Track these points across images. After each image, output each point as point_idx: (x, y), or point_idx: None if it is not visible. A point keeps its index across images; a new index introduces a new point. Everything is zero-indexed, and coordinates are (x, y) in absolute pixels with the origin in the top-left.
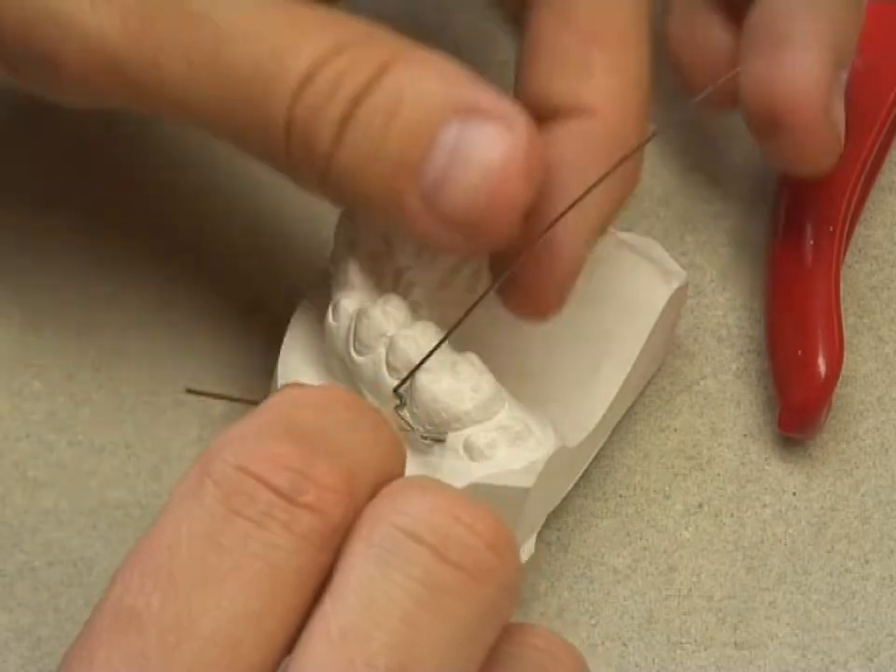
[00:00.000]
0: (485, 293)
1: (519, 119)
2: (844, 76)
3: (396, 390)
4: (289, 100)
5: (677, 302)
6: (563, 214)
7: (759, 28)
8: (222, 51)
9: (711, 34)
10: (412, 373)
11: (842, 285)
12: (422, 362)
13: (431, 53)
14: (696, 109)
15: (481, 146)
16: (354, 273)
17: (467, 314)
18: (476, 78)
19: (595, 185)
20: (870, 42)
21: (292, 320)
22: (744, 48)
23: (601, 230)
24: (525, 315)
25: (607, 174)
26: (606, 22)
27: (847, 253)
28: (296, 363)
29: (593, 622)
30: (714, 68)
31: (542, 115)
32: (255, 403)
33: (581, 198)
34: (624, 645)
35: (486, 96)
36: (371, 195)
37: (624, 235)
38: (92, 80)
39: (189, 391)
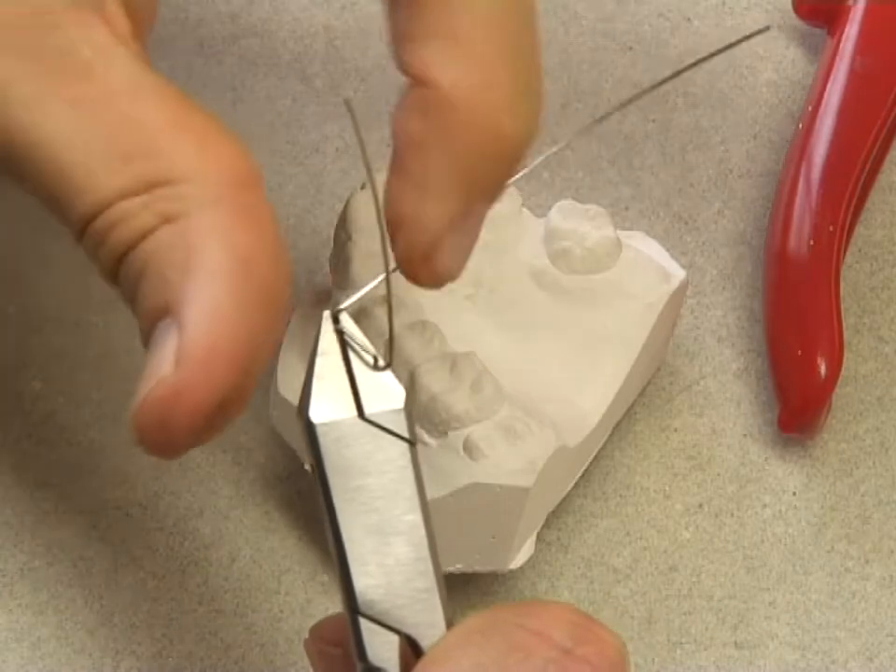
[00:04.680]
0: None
1: (199, 347)
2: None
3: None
4: (83, 218)
5: (676, 302)
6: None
7: None
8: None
9: None
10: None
11: (842, 285)
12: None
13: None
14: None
15: (160, 362)
16: (353, 274)
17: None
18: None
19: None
20: (870, 42)
21: (291, 321)
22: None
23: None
24: (426, 285)
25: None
26: None
27: (847, 253)
28: (295, 363)
29: None
30: None
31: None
32: None
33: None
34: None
35: (196, 302)
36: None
37: (624, 235)
38: None
39: None
